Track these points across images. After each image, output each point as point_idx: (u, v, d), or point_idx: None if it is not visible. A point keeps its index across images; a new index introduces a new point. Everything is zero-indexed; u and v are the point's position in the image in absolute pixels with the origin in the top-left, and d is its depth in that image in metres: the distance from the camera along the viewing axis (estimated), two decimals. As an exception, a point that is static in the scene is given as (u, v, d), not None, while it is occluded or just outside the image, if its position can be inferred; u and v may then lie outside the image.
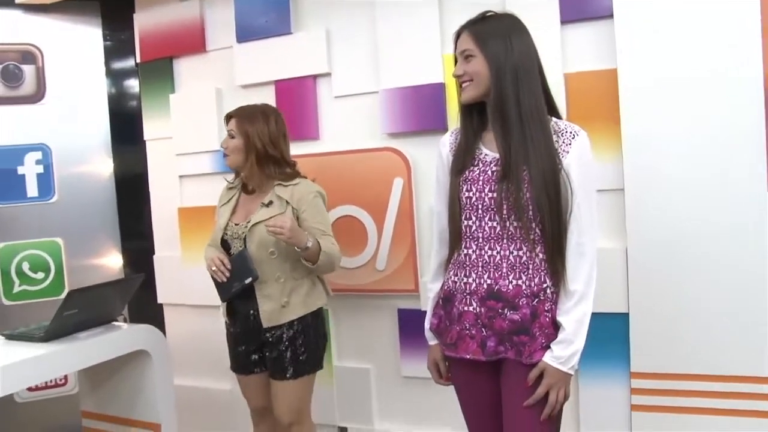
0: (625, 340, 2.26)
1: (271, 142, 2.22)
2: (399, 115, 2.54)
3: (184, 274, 3.02)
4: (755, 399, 2.16)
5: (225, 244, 2.27)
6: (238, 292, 2.19)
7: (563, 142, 1.63)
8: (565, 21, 2.30)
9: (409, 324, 2.62)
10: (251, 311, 2.22)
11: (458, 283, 1.75)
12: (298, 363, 2.22)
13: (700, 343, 2.18)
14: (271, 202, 2.22)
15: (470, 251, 1.71)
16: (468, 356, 1.72)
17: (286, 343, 2.20)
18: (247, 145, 2.22)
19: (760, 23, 2.05)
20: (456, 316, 1.74)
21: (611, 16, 2.22)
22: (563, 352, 1.61)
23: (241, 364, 2.33)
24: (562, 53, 2.30)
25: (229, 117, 2.30)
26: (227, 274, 2.17)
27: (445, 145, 1.81)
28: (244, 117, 2.25)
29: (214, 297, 2.69)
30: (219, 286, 2.21)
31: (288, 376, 2.21)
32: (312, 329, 2.25)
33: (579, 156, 1.62)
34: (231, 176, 2.41)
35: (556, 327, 1.65)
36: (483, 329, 1.69)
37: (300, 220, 2.19)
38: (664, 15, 2.15)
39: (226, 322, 2.34)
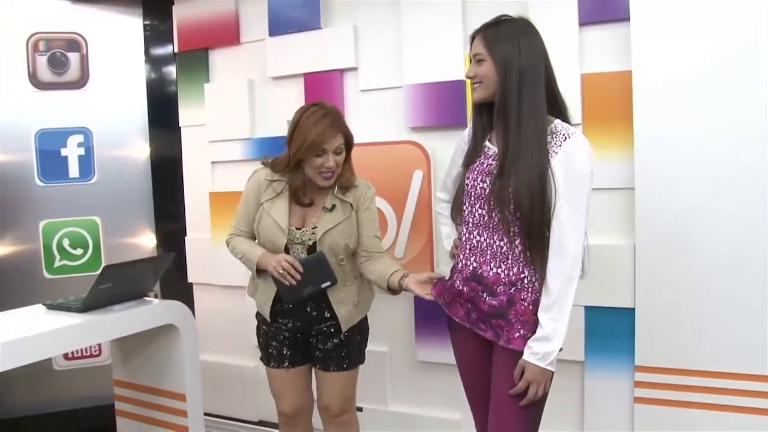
0: (631, 335, 2.33)
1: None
2: (421, 110, 2.64)
3: (214, 256, 3.17)
4: (757, 397, 2.21)
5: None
6: (309, 297, 2.15)
7: (555, 143, 1.70)
8: (583, 23, 2.36)
9: (425, 310, 2.72)
10: (311, 304, 2.20)
11: (456, 260, 1.90)
12: (353, 355, 2.27)
13: (704, 340, 2.24)
14: (334, 206, 2.18)
15: (463, 234, 1.85)
16: (456, 319, 1.86)
17: (346, 334, 2.23)
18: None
19: (773, 29, 2.10)
20: (452, 286, 1.89)
21: (628, 18, 2.27)
22: (540, 349, 1.70)
23: (284, 356, 2.29)
24: (579, 54, 2.36)
25: None
26: (298, 278, 2.10)
27: (464, 137, 1.96)
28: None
29: (239, 277, 2.82)
30: (285, 288, 2.14)
31: (345, 366, 2.25)
32: (365, 323, 2.33)
33: (567, 158, 1.68)
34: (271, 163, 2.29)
35: (533, 315, 1.74)
36: (468, 303, 1.83)
37: (358, 219, 2.20)
38: (680, 18, 2.20)
39: (261, 317, 2.32)
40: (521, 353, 1.72)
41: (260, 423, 3.17)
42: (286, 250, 2.19)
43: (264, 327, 2.32)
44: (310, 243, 2.17)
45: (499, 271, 1.76)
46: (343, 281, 2.19)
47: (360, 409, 2.89)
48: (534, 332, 1.72)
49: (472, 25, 2.37)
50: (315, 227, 2.18)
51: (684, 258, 2.25)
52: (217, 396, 3.23)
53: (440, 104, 2.60)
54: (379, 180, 2.49)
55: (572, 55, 2.35)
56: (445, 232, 2.08)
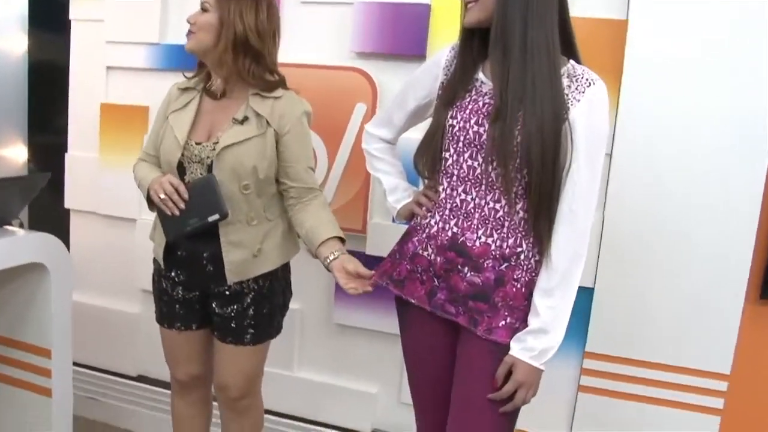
0: (585, 317, 2.09)
1: (257, 31, 1.71)
2: (373, 33, 2.22)
3: (100, 179, 2.65)
4: (712, 396, 2.06)
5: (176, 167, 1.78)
6: (194, 232, 1.72)
7: (575, 89, 1.37)
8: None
9: (350, 268, 2.37)
10: (205, 254, 1.78)
11: (418, 225, 1.52)
12: (261, 326, 1.84)
13: (664, 331, 2.04)
14: (246, 119, 1.74)
15: (442, 189, 1.47)
16: (413, 300, 1.50)
17: (249, 300, 1.81)
18: (224, 23, 1.69)
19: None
20: (409, 254, 1.52)
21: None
22: (536, 344, 1.38)
23: (177, 316, 1.87)
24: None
25: None
26: (181, 206, 1.69)
27: (440, 62, 1.55)
28: None
29: (133, 209, 2.36)
30: (168, 220, 1.73)
31: (246, 340, 1.83)
32: (281, 285, 1.89)
33: (590, 109, 1.36)
34: (189, 73, 1.89)
35: (525, 300, 1.42)
36: (435, 279, 1.46)
37: (279, 146, 1.76)
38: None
39: (157, 264, 1.88)
40: (505, 347, 1.41)
41: (139, 378, 2.73)
42: (182, 172, 1.75)
43: (157, 277, 1.89)
44: (209, 162, 1.73)
45: (490, 241, 1.42)
46: (246, 217, 1.75)
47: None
48: (522, 322, 1.41)
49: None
50: (217, 142, 1.73)
51: (656, 244, 2.01)
52: (90, 345, 2.75)
53: (397, 29, 2.19)
54: (313, 109, 2.08)
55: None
56: (389, 183, 1.70)
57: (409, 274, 1.53)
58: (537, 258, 1.43)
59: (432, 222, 1.50)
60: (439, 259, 1.47)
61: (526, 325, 1.42)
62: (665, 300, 2.03)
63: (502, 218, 1.42)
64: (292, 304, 2.44)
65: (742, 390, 2.05)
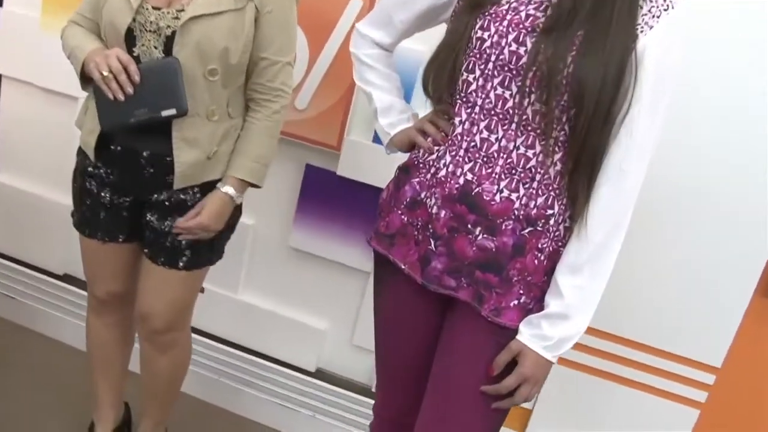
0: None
1: None
2: None
3: (41, 45, 2.26)
4: (691, 386, 1.87)
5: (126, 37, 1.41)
6: (138, 125, 1.41)
7: (648, 11, 1.05)
8: None
9: (315, 187, 2.07)
10: (145, 153, 1.46)
11: (421, 161, 1.19)
12: (200, 250, 1.54)
13: (653, 311, 1.83)
14: None
15: (458, 121, 1.15)
16: (402, 266, 1.20)
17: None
18: None
19: None
20: (405, 200, 1.20)
21: None
22: (553, 331, 1.11)
23: (100, 224, 1.56)
24: None
25: None
26: (129, 90, 1.36)
27: None
28: None
29: (77, 85, 2.00)
30: (107, 104, 1.40)
31: (181, 265, 1.54)
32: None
33: (666, 40, 1.05)
34: None
35: (546, 276, 1.14)
36: (433, 240, 1.15)
37: (256, 27, 1.43)
38: None
39: (82, 157, 1.54)
40: (513, 331, 1.13)
41: (66, 278, 2.41)
42: (131, 41, 1.39)
43: (80, 173, 1.55)
44: (169, 33, 1.38)
45: (514, 197, 1.12)
46: (206, 111, 1.43)
47: (202, 290, 2.24)
48: (539, 302, 1.14)
49: None
50: (183, 10, 1.38)
51: (660, 218, 1.76)
52: (12, 233, 2.42)
53: None
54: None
55: None
56: (382, 101, 1.35)
57: (402, 229, 1.22)
58: (567, 224, 1.14)
59: (440, 162, 1.17)
60: (443, 213, 1.15)
61: (543, 307, 1.14)
62: (661, 279, 1.80)
63: (533, 169, 1.11)
64: (246, 218, 2.14)
65: (730, 385, 1.86)
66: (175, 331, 1.63)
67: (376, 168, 1.96)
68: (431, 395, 1.21)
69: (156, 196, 1.49)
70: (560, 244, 1.14)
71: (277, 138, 1.54)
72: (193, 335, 2.16)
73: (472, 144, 1.13)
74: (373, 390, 2.07)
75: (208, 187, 1.50)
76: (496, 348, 1.14)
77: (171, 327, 1.61)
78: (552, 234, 1.13)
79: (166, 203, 1.49)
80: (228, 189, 1.48)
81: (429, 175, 1.18)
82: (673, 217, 1.76)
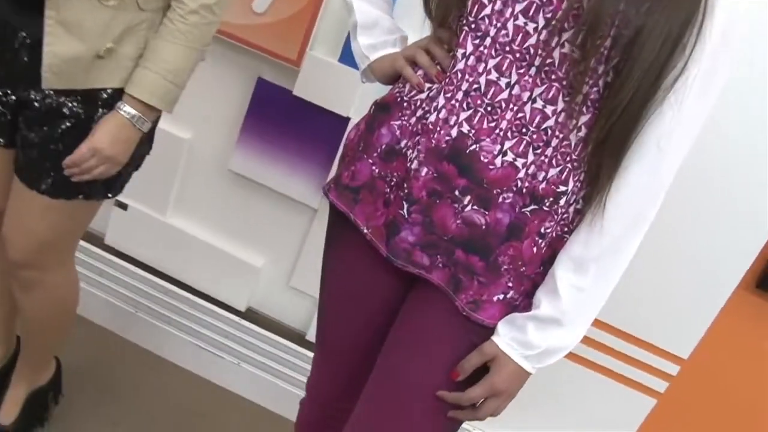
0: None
1: None
2: None
3: None
4: (655, 375, 1.74)
5: None
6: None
7: None
8: None
9: (266, 106, 1.78)
10: (23, 33, 1.12)
11: (406, 98, 0.93)
12: (67, 177, 1.18)
13: (634, 299, 1.64)
14: None
15: (459, 53, 0.88)
16: (363, 229, 0.95)
17: (64, 129, 1.15)
18: None
19: None
20: (380, 148, 0.94)
21: None
22: (540, 338, 0.89)
23: None
24: None
25: None
26: None
27: None
28: None
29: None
30: None
31: (43, 188, 1.20)
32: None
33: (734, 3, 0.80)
34: None
35: (542, 267, 0.91)
36: (407, 204, 0.90)
37: None
38: None
39: None
40: (489, 330, 0.91)
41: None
42: None
43: None
44: None
45: (519, 163, 0.87)
46: None
47: (124, 207, 1.96)
48: (528, 300, 0.92)
49: None
50: None
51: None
52: None
53: None
54: None
55: None
56: (365, 15, 1.04)
57: (371, 183, 0.96)
58: (579, 206, 0.90)
59: (430, 104, 0.91)
60: (425, 171, 0.89)
61: (531, 305, 0.92)
62: (647, 265, 1.57)
63: (549, 132, 0.86)
64: (179, 132, 1.87)
65: (692, 378, 1.73)
66: (35, 269, 1.31)
67: (339, 93, 1.69)
68: (375, 388, 0.99)
69: (30, 94, 1.15)
70: (566, 229, 0.91)
71: (198, 50, 1.17)
72: (111, 258, 1.92)
73: (475, 86, 0.87)
74: (308, 338, 1.91)
75: (99, 99, 1.16)
76: (465, 347, 0.92)
77: (30, 264, 1.29)
78: (558, 216, 0.90)
79: (36, 105, 1.15)
80: (127, 109, 1.14)
81: (414, 119, 0.92)
82: (663, 204, 1.57)
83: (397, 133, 0.94)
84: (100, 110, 1.16)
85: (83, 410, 1.65)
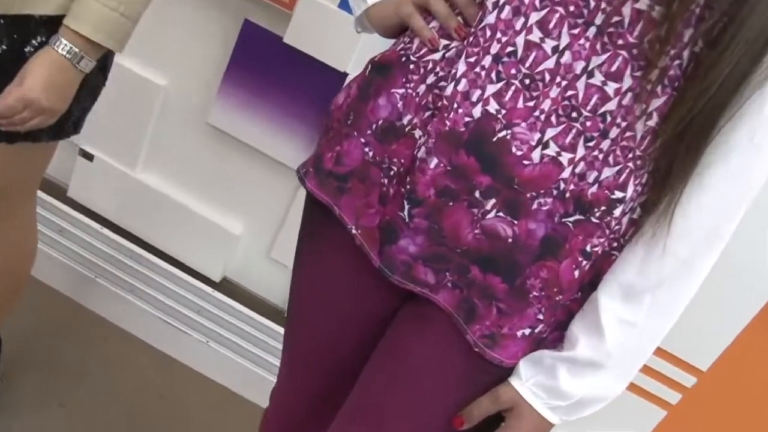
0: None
1: None
2: None
3: None
4: (670, 386, 1.59)
5: None
6: None
7: None
8: None
9: (252, 53, 1.56)
10: None
11: (414, 58, 0.71)
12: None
13: None
14: None
15: (489, 3, 0.65)
16: (351, 227, 0.74)
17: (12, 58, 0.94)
18: None
19: None
20: (375, 123, 0.73)
21: None
22: (575, 387, 0.70)
23: None
24: None
25: None
26: None
27: None
28: None
29: None
30: None
31: None
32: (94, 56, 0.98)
33: None
34: None
35: (579, 292, 0.71)
36: (409, 205, 0.69)
37: None
38: None
39: None
40: (506, 371, 0.72)
41: None
42: None
43: None
44: None
45: (566, 157, 0.65)
46: None
47: (90, 157, 1.75)
48: (556, 331, 0.72)
49: None
50: None
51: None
52: None
53: None
54: None
55: None
56: None
57: (362, 169, 0.75)
58: (636, 216, 0.69)
59: (447, 69, 0.69)
60: (434, 161, 0.68)
61: (561, 337, 0.73)
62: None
63: (610, 117, 0.64)
64: (154, 77, 1.65)
65: (707, 392, 1.57)
66: None
67: (336, 43, 1.47)
68: (351, 424, 0.79)
69: None
70: (615, 245, 0.70)
71: None
72: (72, 213, 1.72)
73: (509, 50, 0.65)
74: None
75: (31, 29, 0.95)
76: (473, 388, 0.73)
77: None
78: (608, 230, 0.68)
79: None
80: (64, 44, 0.93)
81: (423, 88, 0.70)
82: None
83: (399, 105, 0.72)
84: (33, 43, 0.94)
85: (26, 385, 1.47)
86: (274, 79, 1.57)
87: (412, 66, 0.72)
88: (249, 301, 1.75)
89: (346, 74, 1.50)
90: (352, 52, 1.48)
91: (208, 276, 1.75)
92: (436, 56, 0.70)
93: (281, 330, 1.68)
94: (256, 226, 1.73)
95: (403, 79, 0.72)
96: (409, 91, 0.71)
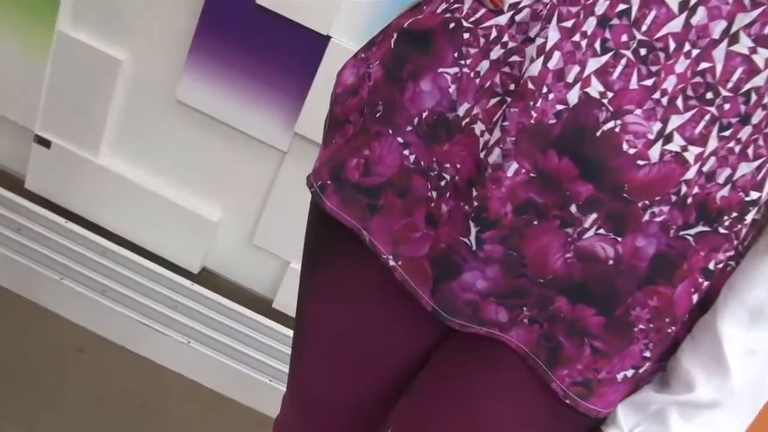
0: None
1: None
2: None
3: None
4: None
5: None
6: None
7: None
8: None
9: (221, 19, 1.42)
10: None
11: (469, 22, 0.53)
12: None
13: None
14: None
15: None
16: (389, 260, 0.58)
17: None
18: None
19: None
20: (418, 116, 0.56)
21: None
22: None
23: None
24: None
25: None
26: None
27: None
28: None
29: None
30: None
31: None
32: None
33: None
34: None
35: (689, 315, 0.56)
36: (477, 227, 0.53)
37: None
38: None
39: None
40: (599, 421, 0.58)
41: None
42: None
43: None
44: None
45: (692, 153, 0.48)
46: None
47: (47, 144, 1.59)
48: (660, 363, 0.58)
49: None
50: None
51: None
52: None
53: None
54: None
55: None
56: None
57: (400, 179, 0.58)
58: (758, 215, 0.54)
59: (526, 39, 0.51)
60: (514, 167, 0.51)
61: (664, 368, 0.59)
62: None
63: (755, 95, 0.47)
64: (113, 51, 1.51)
65: None
66: None
67: (317, 2, 1.34)
68: None
69: None
70: (732, 253, 0.55)
71: None
72: (31, 206, 1.58)
73: (620, 8, 0.48)
74: (275, 307, 1.63)
75: None
76: None
77: None
78: (739, 240, 0.54)
79: None
80: None
81: (486, 65, 0.54)
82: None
83: (452, 90, 0.54)
84: None
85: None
86: (248, 47, 1.44)
87: (466, 35, 0.54)
88: (232, 292, 1.63)
89: (328, 38, 1.36)
90: (335, 12, 1.34)
91: (186, 268, 1.63)
92: (501, 20, 0.53)
93: (269, 323, 1.58)
94: (236, 210, 1.60)
95: (455, 54, 0.54)
96: (465, 70, 0.54)
